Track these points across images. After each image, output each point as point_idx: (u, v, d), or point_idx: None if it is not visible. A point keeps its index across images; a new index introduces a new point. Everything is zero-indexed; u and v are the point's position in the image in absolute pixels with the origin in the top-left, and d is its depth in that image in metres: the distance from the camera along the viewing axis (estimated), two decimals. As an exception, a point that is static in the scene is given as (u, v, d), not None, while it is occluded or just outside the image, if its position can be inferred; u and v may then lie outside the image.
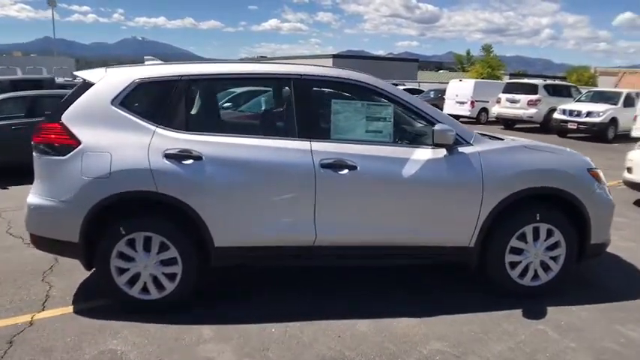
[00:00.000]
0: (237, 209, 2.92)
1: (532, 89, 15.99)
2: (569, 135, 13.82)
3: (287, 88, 3.05)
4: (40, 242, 3.04)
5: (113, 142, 2.87)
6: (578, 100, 14.71)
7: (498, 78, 37.42)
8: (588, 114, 13.18)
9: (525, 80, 19.26)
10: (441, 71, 63.88)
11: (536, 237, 3.12)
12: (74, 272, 3.62)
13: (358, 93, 3.17)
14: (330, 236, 2.98)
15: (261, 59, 36.35)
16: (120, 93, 2.95)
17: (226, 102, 7.19)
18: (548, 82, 19.24)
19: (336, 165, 2.90)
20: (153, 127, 2.91)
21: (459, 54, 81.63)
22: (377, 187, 2.97)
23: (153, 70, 3.08)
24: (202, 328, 2.85)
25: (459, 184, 3.01)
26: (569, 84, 20.78)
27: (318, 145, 2.94)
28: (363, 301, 3.18)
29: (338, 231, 2.99)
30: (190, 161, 2.84)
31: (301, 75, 3.04)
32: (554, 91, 16.40)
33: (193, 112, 3.13)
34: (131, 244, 2.91)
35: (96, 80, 3.00)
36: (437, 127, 2.92)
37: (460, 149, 3.01)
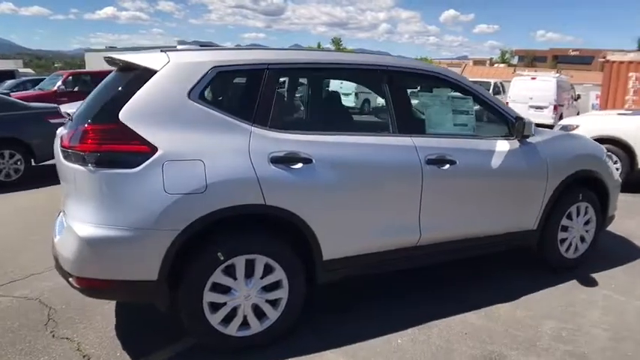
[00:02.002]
0: (347, 216, 2.59)
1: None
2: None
3: (382, 80, 2.79)
4: (99, 288, 2.23)
5: (203, 146, 2.26)
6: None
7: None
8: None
9: None
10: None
11: (578, 214, 3.53)
12: (84, 314, 2.88)
13: (440, 86, 3.10)
14: (432, 234, 2.88)
15: (110, 50, 32.15)
16: (197, 84, 2.32)
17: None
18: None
19: (438, 160, 2.80)
20: (248, 126, 2.37)
21: (311, 47, 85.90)
22: (471, 181, 2.97)
23: (231, 55, 2.50)
24: (325, 354, 2.48)
25: (532, 172, 3.20)
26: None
27: (419, 141, 2.79)
28: (451, 296, 3.16)
29: (439, 228, 2.90)
30: (299, 165, 2.41)
31: (394, 67, 2.83)
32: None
33: (288, 107, 2.64)
34: (229, 271, 2.35)
35: (157, 67, 2.30)
36: (525, 119, 3.05)
37: (528, 140, 3.20)
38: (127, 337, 2.66)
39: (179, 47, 2.69)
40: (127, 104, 2.19)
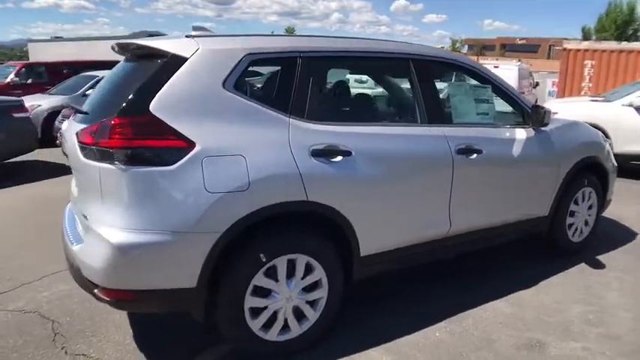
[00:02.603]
0: (384, 209, 2.50)
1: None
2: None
3: (413, 68, 2.70)
4: (132, 300, 2.02)
5: (243, 140, 2.08)
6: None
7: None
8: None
9: None
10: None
11: (583, 200, 3.63)
12: (94, 326, 2.66)
13: (461, 75, 3.05)
14: (461, 225, 2.85)
15: (57, 40, 30.08)
16: (231, 72, 2.13)
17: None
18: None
19: (467, 150, 2.77)
20: (286, 118, 2.22)
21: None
22: (495, 169, 2.97)
23: (263, 42, 2.33)
24: (368, 352, 2.40)
25: (547, 159, 3.25)
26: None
27: (448, 130, 2.75)
28: (473, 286, 3.15)
29: (467, 218, 2.88)
30: (339, 158, 2.29)
31: (422, 55, 2.75)
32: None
33: (322, 97, 2.49)
34: (270, 273, 2.20)
35: (187, 54, 2.09)
36: (546, 108, 3.07)
37: (542, 128, 3.24)
38: (150, 350, 2.45)
39: (195, 33, 2.48)
40: (157, 95, 1.97)
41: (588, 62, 12.65)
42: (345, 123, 2.41)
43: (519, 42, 64.75)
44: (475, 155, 2.80)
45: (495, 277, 3.32)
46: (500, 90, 3.14)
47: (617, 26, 32.02)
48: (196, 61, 2.08)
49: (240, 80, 2.16)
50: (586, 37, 34.61)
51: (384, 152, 2.45)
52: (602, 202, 3.84)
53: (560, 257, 3.61)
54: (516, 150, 3.04)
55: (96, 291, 2.03)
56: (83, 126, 2.11)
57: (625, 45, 13.02)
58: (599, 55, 12.52)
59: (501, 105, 3.26)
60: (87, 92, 8.79)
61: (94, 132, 1.97)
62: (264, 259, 2.15)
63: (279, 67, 2.31)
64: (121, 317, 2.76)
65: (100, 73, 9.29)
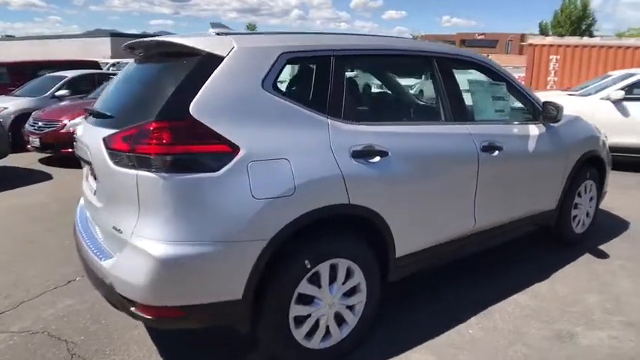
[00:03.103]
0: (418, 209, 2.49)
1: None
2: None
3: (439, 67, 2.69)
4: (175, 316, 1.89)
5: (286, 143, 2.00)
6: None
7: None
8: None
9: None
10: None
11: (585, 192, 3.76)
12: (114, 344, 2.52)
13: (480, 72, 3.07)
14: (484, 221, 2.88)
15: (8, 39, 28.36)
16: (269, 72, 2.04)
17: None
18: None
19: (490, 147, 2.80)
20: (324, 119, 2.15)
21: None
22: (514, 165, 3.02)
23: (298, 40, 2.24)
24: (408, 354, 2.38)
25: (557, 154, 3.34)
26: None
27: (472, 128, 2.76)
28: (489, 282, 3.19)
29: (490, 214, 2.92)
30: (377, 159, 2.25)
31: (446, 54, 2.75)
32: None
33: (357, 96, 2.43)
34: (313, 280, 2.14)
35: (223, 53, 1.98)
36: (560, 105, 3.13)
37: (551, 124, 3.32)
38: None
39: (212, 30, 2.37)
40: (196, 97, 1.86)
41: (553, 57, 13.20)
42: (380, 123, 2.37)
43: (478, 37, 66.63)
44: (497, 152, 2.83)
45: (508, 270, 3.37)
46: (513, 87, 3.19)
47: (572, 22, 33.61)
48: (233, 60, 1.98)
49: (278, 80, 2.07)
50: (543, 32, 36.09)
51: (417, 151, 2.43)
52: (600, 193, 4.00)
53: (564, 248, 3.72)
54: (531, 146, 3.10)
55: (133, 309, 1.90)
56: (111, 131, 1.96)
57: (587, 40, 13.68)
58: (564, 50, 13.08)
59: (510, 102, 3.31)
60: (56, 94, 8.32)
61: (130, 137, 1.84)
62: (308, 266, 2.08)
63: (314, 66, 2.23)
64: (141, 333, 2.61)
65: (68, 74, 8.82)
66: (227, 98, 1.93)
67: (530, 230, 3.59)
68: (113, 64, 19.61)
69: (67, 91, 8.27)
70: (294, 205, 1.97)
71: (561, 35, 25.42)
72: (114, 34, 35.14)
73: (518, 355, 2.40)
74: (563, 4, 34.96)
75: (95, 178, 2.29)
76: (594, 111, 6.18)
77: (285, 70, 2.10)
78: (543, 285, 3.16)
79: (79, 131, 2.33)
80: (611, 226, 4.32)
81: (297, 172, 1.97)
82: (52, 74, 9.01)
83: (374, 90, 2.97)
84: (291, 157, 1.98)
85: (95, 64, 12.29)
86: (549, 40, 14.07)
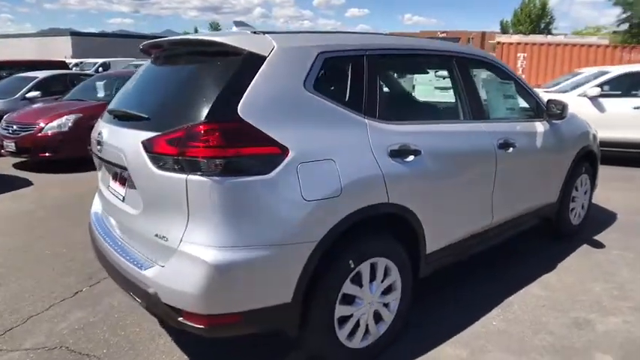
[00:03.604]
0: (446, 206, 2.55)
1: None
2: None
3: (455, 66, 2.74)
4: (227, 324, 1.85)
5: (330, 143, 2.00)
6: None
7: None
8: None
9: None
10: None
11: (581, 185, 3.94)
12: (141, 357, 2.42)
13: (488, 72, 3.15)
14: (500, 216, 2.98)
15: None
16: (310, 72, 2.03)
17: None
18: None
19: (505, 144, 2.89)
20: (362, 119, 2.16)
21: (188, 32, 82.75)
22: (525, 161, 3.13)
23: (332, 39, 2.24)
24: (441, 348, 2.43)
25: (560, 149, 3.49)
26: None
27: (489, 126, 2.85)
28: (499, 275, 3.30)
29: (505, 209, 3.02)
30: (411, 158, 2.28)
31: (460, 53, 2.81)
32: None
33: (389, 96, 2.44)
34: (355, 279, 2.15)
35: (265, 52, 1.95)
36: (565, 103, 3.26)
37: (554, 120, 3.45)
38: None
39: (236, 29, 2.33)
40: (243, 98, 1.82)
41: (521, 55, 13.73)
42: (411, 122, 2.41)
43: (441, 35, 68.02)
44: (511, 149, 2.93)
45: (516, 264, 3.49)
46: (520, 85, 3.30)
47: (532, 20, 34.98)
48: (274, 60, 1.95)
49: (317, 80, 2.05)
50: (504, 30, 37.35)
51: (446, 149, 2.49)
52: (592, 186, 4.20)
53: (563, 240, 3.89)
54: (538, 142, 3.23)
55: (181, 319, 1.84)
56: (151, 133, 1.88)
57: (553, 38, 14.31)
58: (530, 47, 13.62)
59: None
60: (27, 95, 7.90)
61: (177, 140, 1.77)
62: (352, 266, 2.09)
63: (349, 66, 2.23)
64: (166, 342, 2.54)
65: (39, 74, 8.39)
66: (272, 99, 1.91)
67: (532, 224, 3.73)
68: (76, 64, 18.81)
69: (38, 92, 7.87)
70: (340, 205, 1.97)
71: (522, 33, 26.43)
72: (74, 33, 33.62)
73: (544, 344, 2.50)
74: (523, 2, 36.35)
75: (123, 184, 2.20)
76: (572, 107, 6.45)
77: (323, 69, 2.09)
78: (551, 276, 3.29)
79: (104, 134, 2.22)
80: (600, 217, 4.54)
81: (342, 173, 1.97)
82: (21, 75, 8.54)
83: (403, 89, 3.00)
84: (336, 158, 1.98)
85: (63, 65, 11.74)
86: (516, 38, 14.63)
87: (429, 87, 5.19)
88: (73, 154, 6.61)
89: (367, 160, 2.09)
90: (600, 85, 6.75)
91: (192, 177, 1.75)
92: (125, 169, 2.05)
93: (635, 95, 6.68)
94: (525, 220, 3.37)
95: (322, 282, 2.00)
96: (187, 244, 1.79)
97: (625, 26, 27.43)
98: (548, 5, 35.81)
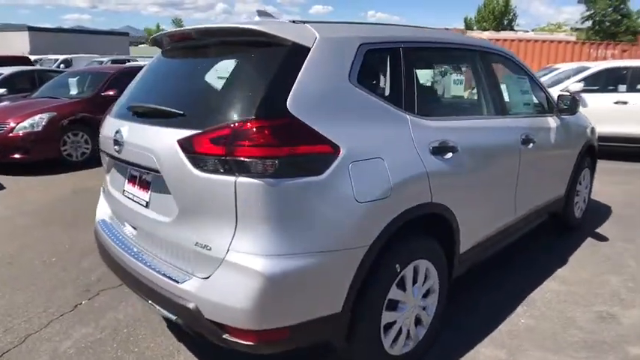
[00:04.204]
0: (479, 204, 2.49)
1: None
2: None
3: (481, 61, 2.69)
4: (279, 339, 1.70)
5: (377, 140, 1.89)
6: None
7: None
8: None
9: None
10: (141, 45, 60.72)
11: (584, 179, 4.00)
12: None
13: (505, 67, 3.11)
14: (522, 211, 2.96)
15: None
16: (353, 65, 1.90)
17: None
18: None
19: (527, 140, 2.86)
20: (403, 114, 2.05)
21: (150, 28, 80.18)
22: (542, 156, 3.12)
23: (371, 30, 2.11)
24: (477, 349, 2.36)
25: (569, 144, 3.53)
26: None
27: (512, 122, 2.81)
28: (516, 273, 3.28)
29: (526, 204, 3.01)
30: (450, 155, 2.19)
31: (483, 48, 2.75)
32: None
33: (425, 90, 2.34)
34: (400, 283, 2.04)
35: (309, 44, 1.80)
36: (577, 97, 3.27)
37: (563, 116, 3.46)
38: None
39: (258, 19, 2.18)
40: (291, 92, 1.67)
41: (493, 52, 14.02)
42: (447, 117, 2.34)
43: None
44: (531, 145, 2.90)
45: (528, 260, 3.48)
46: (534, 81, 3.29)
47: (495, 17, 35.85)
48: (319, 51, 1.81)
49: (360, 73, 1.92)
50: (468, 27, 38.08)
51: (480, 146, 2.44)
52: (592, 180, 4.28)
53: (568, 234, 3.94)
54: (552, 137, 3.23)
55: (226, 336, 1.68)
56: (187, 132, 1.70)
57: (522, 35, 14.71)
58: (501, 44, 13.91)
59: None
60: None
61: (224, 139, 1.60)
62: (398, 270, 1.98)
63: (388, 59, 2.11)
64: (186, 357, 2.36)
65: (3, 70, 7.81)
66: (319, 93, 1.77)
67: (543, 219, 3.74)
68: (35, 61, 17.78)
69: (3, 89, 7.31)
70: (390, 206, 1.86)
71: (486, 30, 27.06)
72: (32, 28, 31.64)
73: (576, 340, 2.49)
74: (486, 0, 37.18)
75: (146, 188, 2.00)
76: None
77: (365, 62, 1.96)
78: (565, 270, 3.31)
79: (124, 132, 2.00)
80: (597, 210, 4.64)
81: (391, 172, 1.86)
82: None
83: (437, 84, 2.92)
84: (385, 156, 1.86)
85: (27, 61, 11.01)
86: (487, 34, 14.96)
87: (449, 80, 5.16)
88: (46, 156, 6.21)
89: (413, 158, 1.98)
90: (582, 81, 6.95)
91: (242, 179, 1.59)
92: (154, 171, 1.84)
93: (614, 90, 6.92)
94: (540, 214, 3.37)
95: (371, 289, 1.89)
96: (236, 253, 1.63)
97: (588, 23, 28.60)
98: (510, 2, 36.79)
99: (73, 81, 7.04)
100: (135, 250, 2.08)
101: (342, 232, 1.72)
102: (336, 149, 1.71)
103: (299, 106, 1.68)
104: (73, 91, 7.04)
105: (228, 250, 1.64)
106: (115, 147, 2.05)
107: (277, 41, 1.78)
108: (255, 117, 1.60)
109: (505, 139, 2.67)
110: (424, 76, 2.87)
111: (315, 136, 1.68)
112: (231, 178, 1.60)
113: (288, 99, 1.66)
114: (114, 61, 16.54)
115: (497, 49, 3.04)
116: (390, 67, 2.11)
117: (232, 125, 1.61)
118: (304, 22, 1.91)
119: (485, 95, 2.67)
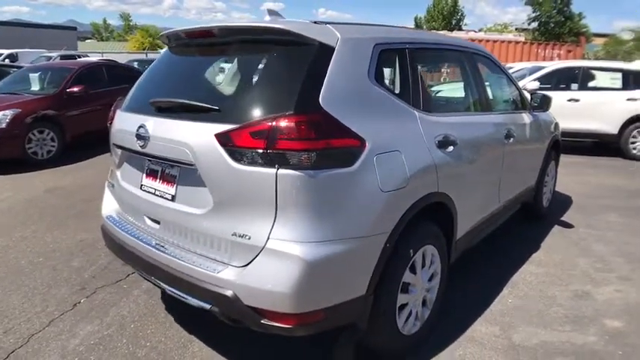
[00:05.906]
0: (473, 193, 2.70)
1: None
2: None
3: (471, 62, 2.89)
4: (314, 322, 1.81)
5: (395, 134, 2.05)
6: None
7: (162, 48, 37.49)
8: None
9: None
10: (88, 41, 57.88)
11: (550, 171, 4.34)
12: (165, 357, 2.35)
13: (486, 66, 3.33)
14: (503, 200, 3.21)
15: None
16: (370, 64, 2.04)
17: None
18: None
19: (509, 135, 3.11)
20: (412, 110, 2.21)
21: (96, 22, 76.20)
22: (519, 149, 3.38)
23: (382, 32, 2.26)
24: (473, 327, 2.57)
25: (541, 138, 3.84)
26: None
27: (495, 118, 3.04)
28: (495, 260, 3.55)
29: (507, 194, 3.26)
30: (451, 148, 2.38)
31: (470, 49, 2.97)
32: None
33: (428, 88, 2.49)
34: (412, 267, 2.20)
35: (333, 43, 1.92)
36: (549, 95, 3.56)
37: (535, 112, 3.76)
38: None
39: (269, 18, 2.27)
40: (322, 89, 1.78)
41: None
42: (447, 113, 2.52)
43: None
44: (512, 139, 3.16)
45: (505, 247, 3.76)
46: (510, 80, 3.56)
47: (444, 17, 37.04)
48: (342, 51, 1.93)
49: (376, 72, 2.06)
50: (418, 26, 39.09)
51: (474, 140, 2.66)
52: (556, 172, 4.65)
53: (536, 222, 4.27)
54: (527, 132, 3.52)
55: (264, 320, 1.77)
56: (224, 126, 1.76)
57: (474, 35, 15.44)
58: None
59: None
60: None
61: (265, 133, 1.68)
62: (411, 254, 2.14)
63: (397, 59, 2.26)
64: (201, 348, 2.41)
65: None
66: (345, 90, 1.90)
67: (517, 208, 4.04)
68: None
69: None
70: (407, 195, 2.02)
71: (435, 29, 27.99)
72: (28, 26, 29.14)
73: (560, 315, 2.75)
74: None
75: (171, 182, 2.04)
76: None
77: (379, 61, 2.10)
78: (540, 254, 3.61)
79: (149, 127, 2.01)
80: (559, 200, 5.05)
81: (408, 163, 2.02)
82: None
83: (434, 82, 3.09)
84: (402, 149, 2.01)
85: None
86: (470, 35, 15.55)
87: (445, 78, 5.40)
88: (11, 154, 5.91)
89: (424, 151, 2.15)
90: (537, 80, 7.45)
91: (283, 171, 1.68)
92: (187, 164, 1.89)
93: (567, 89, 7.47)
94: (516, 203, 3.66)
95: (389, 272, 2.03)
96: (276, 240, 1.72)
97: (535, 24, 30.31)
98: (458, 2, 38.07)
99: (34, 76, 6.72)
100: (155, 242, 2.11)
101: (370, 220, 1.85)
102: (363, 143, 1.84)
103: (329, 102, 1.79)
104: (35, 87, 6.72)
105: (268, 239, 1.72)
106: (139, 142, 2.06)
107: (305, 41, 1.89)
108: (295, 112, 1.70)
109: (493, 134, 2.90)
110: (424, 75, 3.06)
111: (345, 130, 1.80)
112: (271, 170, 1.69)
113: (321, 95, 1.77)
114: (63, 57, 15.73)
115: (480, 49, 3.28)
116: (399, 67, 2.27)
117: (272, 120, 1.70)
118: (326, 23, 2.02)
119: (474, 93, 2.89)
